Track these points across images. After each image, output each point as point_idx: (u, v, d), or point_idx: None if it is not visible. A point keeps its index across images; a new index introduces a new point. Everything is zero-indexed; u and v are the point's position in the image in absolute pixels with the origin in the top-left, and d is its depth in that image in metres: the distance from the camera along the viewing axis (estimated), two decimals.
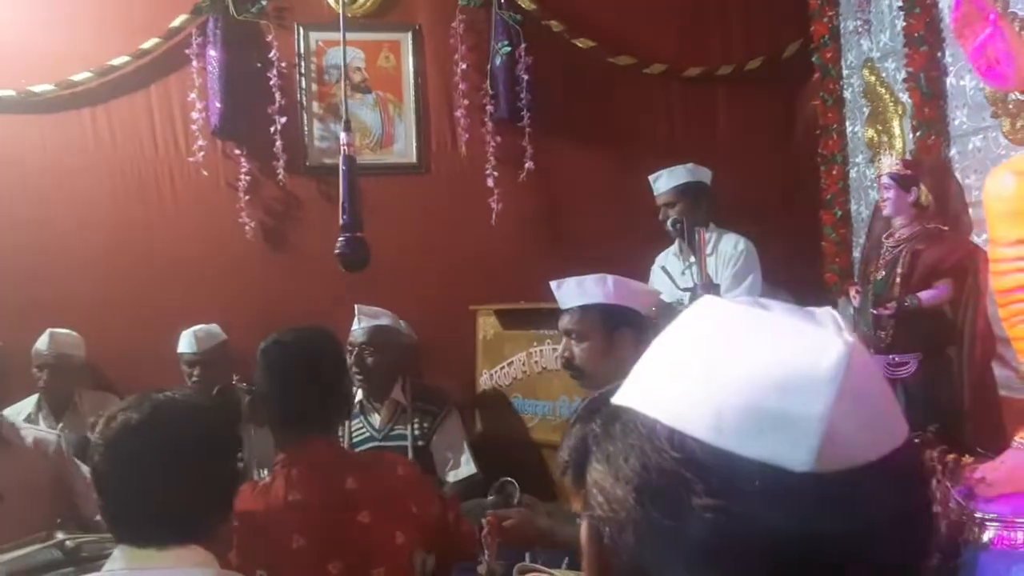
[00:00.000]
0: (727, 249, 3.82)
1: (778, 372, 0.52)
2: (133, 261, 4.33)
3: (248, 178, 4.41)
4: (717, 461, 0.51)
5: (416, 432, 3.51)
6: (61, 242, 4.28)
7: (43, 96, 4.29)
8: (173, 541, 1.36)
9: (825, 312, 0.57)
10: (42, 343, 3.83)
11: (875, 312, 3.00)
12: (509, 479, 2.41)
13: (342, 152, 2.38)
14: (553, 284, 2.55)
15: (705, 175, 3.91)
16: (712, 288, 3.17)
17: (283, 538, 1.86)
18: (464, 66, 4.52)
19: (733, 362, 0.54)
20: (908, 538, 0.54)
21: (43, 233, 4.27)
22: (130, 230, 4.36)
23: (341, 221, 2.38)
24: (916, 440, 0.59)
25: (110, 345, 4.16)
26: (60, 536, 2.82)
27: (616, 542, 0.55)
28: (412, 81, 4.56)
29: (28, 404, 3.84)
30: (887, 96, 4.08)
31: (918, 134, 3.69)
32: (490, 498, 2.38)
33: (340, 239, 2.40)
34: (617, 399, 0.60)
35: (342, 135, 2.41)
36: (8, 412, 3.65)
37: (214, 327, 4.01)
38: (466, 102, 4.52)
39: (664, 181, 3.86)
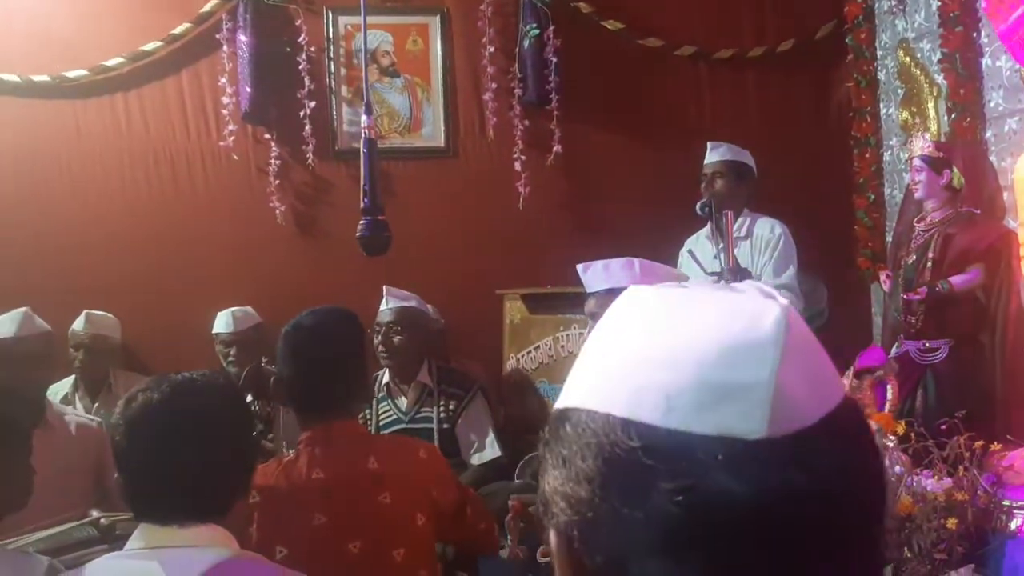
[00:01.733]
0: (763, 233, 3.80)
1: (720, 344, 0.52)
2: (165, 244, 4.39)
3: (278, 162, 4.44)
4: (675, 443, 0.51)
5: (442, 415, 3.52)
6: (94, 225, 4.34)
7: (76, 81, 4.34)
8: (191, 519, 1.39)
9: (747, 284, 0.58)
10: (78, 324, 3.90)
11: (905, 297, 2.96)
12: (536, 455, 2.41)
13: (363, 135, 2.39)
14: (580, 267, 2.56)
15: (753, 164, 3.93)
16: (741, 273, 3.15)
17: (305, 515, 1.88)
18: (492, 49, 4.51)
19: (674, 342, 0.54)
20: (865, 488, 0.55)
21: (76, 216, 4.33)
22: (162, 214, 4.41)
23: (362, 205, 2.39)
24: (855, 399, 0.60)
25: (143, 327, 4.23)
26: (95, 514, 2.88)
27: (589, 544, 0.55)
28: (440, 64, 4.56)
29: (64, 385, 3.91)
30: (922, 77, 4.02)
31: (953, 116, 3.63)
32: (516, 481, 2.39)
33: (361, 222, 2.41)
34: (560, 402, 0.59)
35: (363, 118, 2.43)
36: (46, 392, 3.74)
37: (249, 309, 4.09)
38: (494, 85, 4.51)
39: (720, 152, 3.88)
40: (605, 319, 0.59)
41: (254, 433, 1.60)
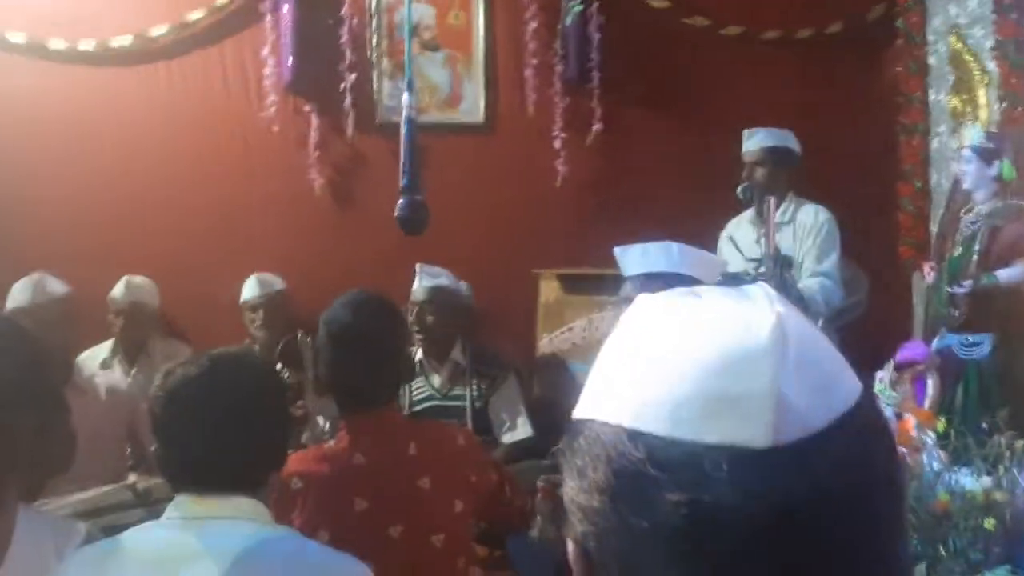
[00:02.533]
0: (807, 220, 3.74)
1: (720, 355, 0.53)
2: (204, 213, 4.41)
3: (317, 135, 4.44)
4: (681, 452, 0.52)
5: (475, 393, 3.54)
6: (136, 192, 4.38)
7: (120, 49, 4.37)
8: (227, 490, 1.40)
9: (756, 288, 0.58)
10: (118, 290, 3.94)
11: (950, 290, 2.91)
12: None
13: (404, 113, 2.38)
14: (617, 250, 2.53)
15: (796, 145, 3.84)
16: (781, 259, 3.11)
17: (347, 500, 1.89)
18: (534, 25, 4.46)
19: (678, 352, 0.55)
20: (875, 490, 0.55)
21: (119, 183, 4.37)
22: (203, 182, 4.44)
23: (401, 184, 2.39)
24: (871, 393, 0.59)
25: (180, 293, 4.26)
26: (132, 479, 2.94)
27: (603, 554, 0.56)
28: (482, 39, 4.52)
29: (103, 349, 3.96)
30: (973, 64, 3.93)
31: (1004, 104, 3.56)
32: (545, 461, 2.39)
33: (400, 201, 2.41)
34: (576, 413, 0.60)
35: (404, 96, 2.42)
36: (85, 356, 3.79)
37: (272, 275, 4.13)
38: (535, 62, 4.47)
39: (758, 139, 3.79)
40: (619, 328, 0.60)
41: (288, 408, 1.62)
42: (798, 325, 0.55)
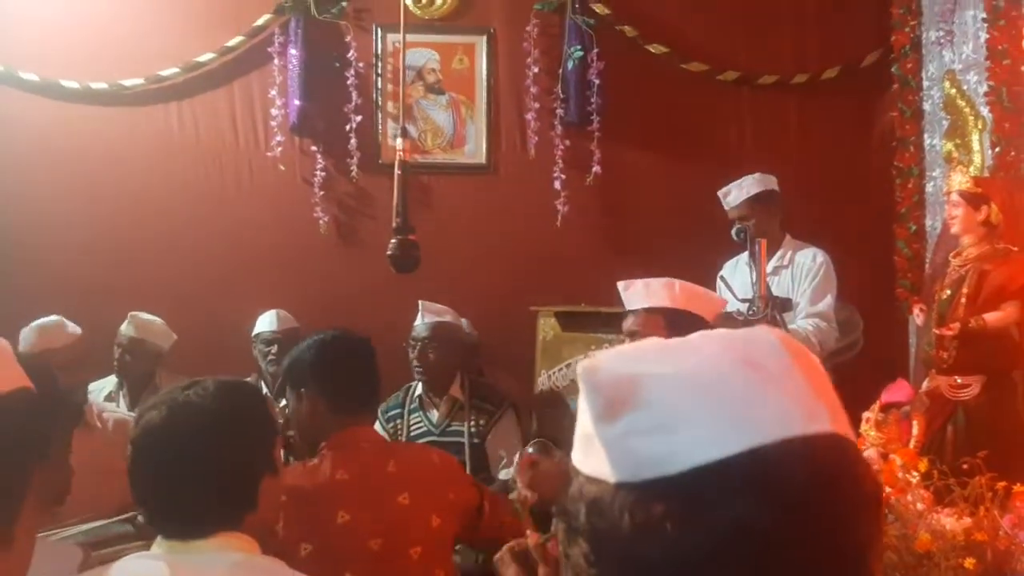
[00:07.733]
0: (805, 262, 3.78)
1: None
2: (211, 250, 4.50)
3: (323, 174, 4.54)
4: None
5: (472, 430, 3.56)
6: (144, 228, 4.48)
7: (133, 89, 4.50)
8: (198, 534, 1.42)
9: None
10: (124, 325, 3.99)
11: (938, 332, 2.95)
12: (543, 440, 2.46)
13: (397, 157, 2.47)
14: (620, 285, 2.59)
15: (772, 182, 3.86)
16: (772, 300, 3.15)
17: (329, 514, 1.97)
18: (536, 70, 4.57)
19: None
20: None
21: (128, 219, 4.47)
22: (210, 220, 4.53)
23: (394, 224, 2.47)
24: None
25: (187, 327, 4.30)
26: (133, 511, 2.97)
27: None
28: (484, 83, 4.63)
29: (108, 383, 4.00)
30: (967, 109, 4.00)
31: (997, 149, 3.62)
32: (529, 449, 2.41)
33: (392, 242, 2.49)
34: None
35: (398, 141, 2.51)
36: (91, 388, 3.83)
37: (287, 313, 4.18)
38: (536, 105, 4.57)
39: (735, 195, 3.80)
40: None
41: (260, 447, 1.59)
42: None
